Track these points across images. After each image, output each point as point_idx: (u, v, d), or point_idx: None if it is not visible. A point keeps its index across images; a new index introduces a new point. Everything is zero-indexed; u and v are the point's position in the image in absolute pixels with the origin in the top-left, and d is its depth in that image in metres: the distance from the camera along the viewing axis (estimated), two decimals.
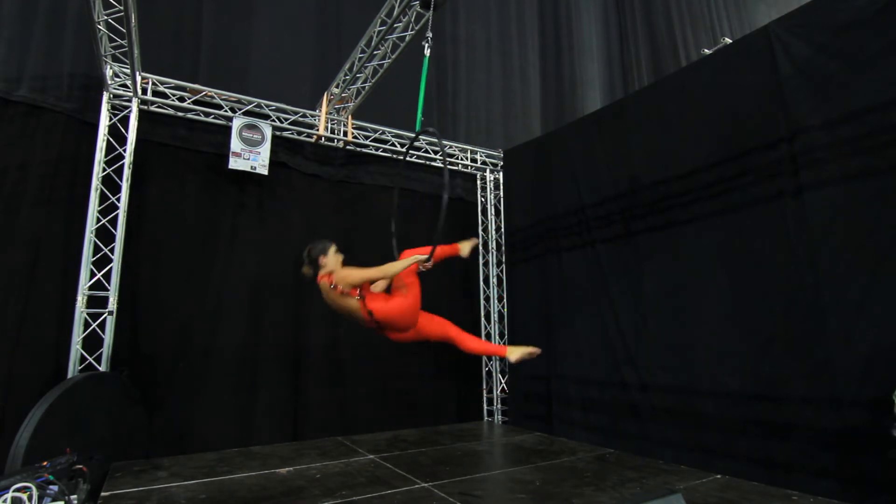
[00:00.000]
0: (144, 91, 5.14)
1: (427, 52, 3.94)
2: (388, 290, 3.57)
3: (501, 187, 7.18)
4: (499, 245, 7.14)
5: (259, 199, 5.75)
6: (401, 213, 6.61)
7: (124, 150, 4.92)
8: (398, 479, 3.97)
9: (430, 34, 4.01)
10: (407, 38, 4.84)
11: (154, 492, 3.61)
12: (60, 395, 3.89)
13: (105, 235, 4.72)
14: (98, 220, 4.70)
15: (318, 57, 6.49)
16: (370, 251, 6.34)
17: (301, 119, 5.97)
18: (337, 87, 5.79)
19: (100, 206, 4.72)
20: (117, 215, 4.78)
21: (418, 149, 6.71)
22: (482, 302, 7.06)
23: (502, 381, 6.79)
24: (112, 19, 4.21)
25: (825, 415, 3.46)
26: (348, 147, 6.28)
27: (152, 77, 5.18)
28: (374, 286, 3.49)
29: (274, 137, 5.64)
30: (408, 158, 6.64)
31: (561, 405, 5.67)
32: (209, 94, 5.44)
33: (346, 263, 3.49)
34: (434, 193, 6.91)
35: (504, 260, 7.01)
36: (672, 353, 4.54)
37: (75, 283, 4.54)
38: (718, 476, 3.93)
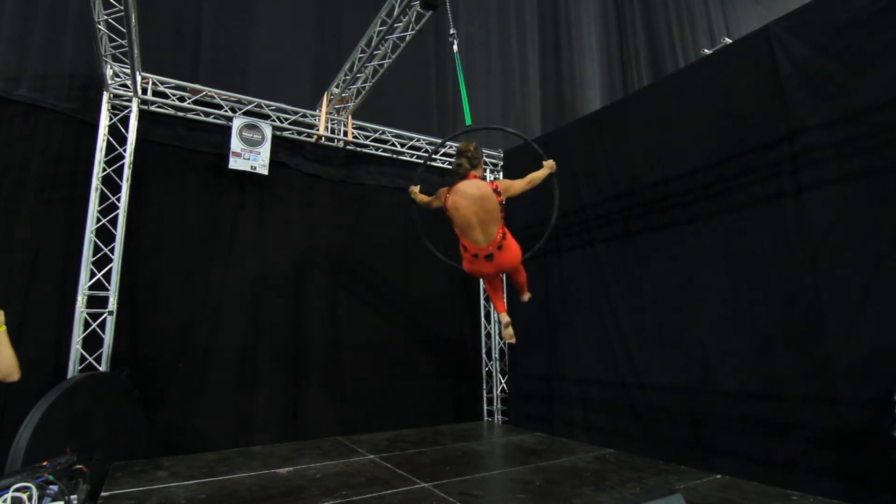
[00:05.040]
0: (144, 91, 5.14)
1: (455, 47, 4.04)
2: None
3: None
4: None
5: (259, 199, 5.75)
6: (402, 211, 6.66)
7: (124, 150, 4.92)
8: (398, 479, 3.97)
9: (453, 31, 4.03)
10: (407, 38, 4.84)
11: (154, 492, 3.61)
12: (60, 395, 3.89)
13: (105, 235, 4.72)
14: (98, 220, 4.70)
15: (318, 57, 6.49)
16: (370, 251, 6.40)
17: (301, 119, 5.97)
18: (337, 87, 5.79)
19: (100, 206, 4.72)
20: (117, 215, 4.78)
21: (418, 149, 6.71)
22: (482, 302, 7.06)
23: (502, 381, 6.79)
24: (112, 19, 4.21)
25: (825, 414, 3.46)
26: (348, 147, 6.28)
27: (152, 77, 5.18)
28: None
29: (274, 137, 5.64)
30: (408, 158, 6.67)
31: (561, 405, 5.67)
32: (209, 94, 5.44)
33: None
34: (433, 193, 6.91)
35: None
36: (672, 353, 4.54)
37: (75, 283, 4.54)
38: (718, 476, 3.93)
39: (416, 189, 3.98)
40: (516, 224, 6.67)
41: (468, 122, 3.95)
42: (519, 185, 3.60)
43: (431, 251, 3.90)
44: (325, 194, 6.19)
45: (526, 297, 4.27)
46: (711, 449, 4.10)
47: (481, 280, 7.09)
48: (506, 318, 3.92)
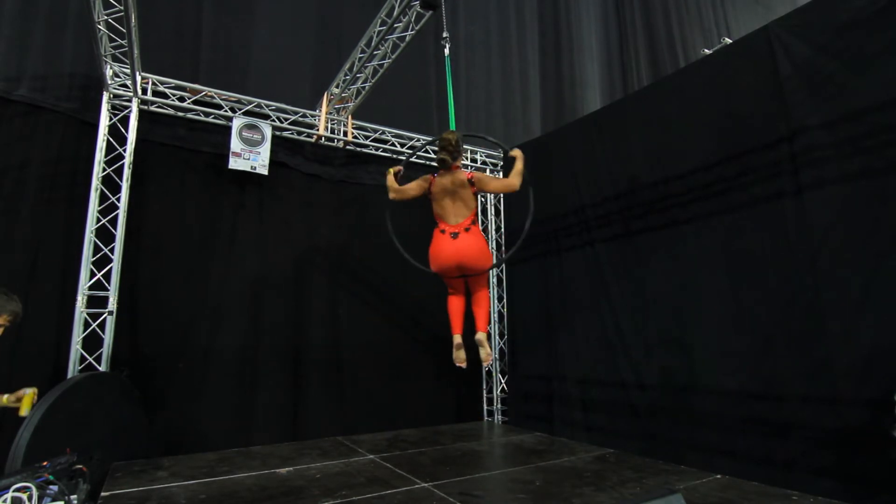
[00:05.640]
0: (144, 91, 5.14)
1: (447, 51, 4.08)
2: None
3: None
4: (499, 245, 7.14)
5: (259, 199, 5.75)
6: (402, 211, 6.67)
7: (124, 150, 4.92)
8: (398, 479, 3.97)
9: (446, 34, 4.10)
10: (407, 38, 4.84)
11: (154, 492, 3.61)
12: (60, 395, 3.88)
13: (105, 235, 4.72)
14: (98, 220, 4.69)
15: (318, 57, 6.49)
16: (370, 251, 6.40)
17: (301, 119, 5.97)
18: (337, 87, 5.79)
19: (100, 206, 4.72)
20: (117, 215, 4.78)
21: (419, 149, 6.70)
22: None
23: (502, 382, 6.79)
24: (112, 19, 4.21)
25: (825, 414, 3.46)
26: (348, 147, 6.28)
27: (152, 77, 5.18)
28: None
29: (274, 137, 5.64)
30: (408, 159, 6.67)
31: (561, 405, 5.67)
32: (209, 94, 5.44)
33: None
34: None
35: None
36: (672, 353, 4.54)
37: (75, 283, 4.54)
38: (718, 476, 3.93)
39: (392, 171, 3.97)
40: (516, 224, 6.71)
41: (452, 126, 4.03)
42: (494, 185, 3.85)
43: (400, 251, 3.93)
44: (325, 194, 6.19)
45: (481, 334, 3.89)
46: (711, 449, 4.10)
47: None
48: (457, 340, 3.96)
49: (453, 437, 5.65)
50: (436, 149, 3.78)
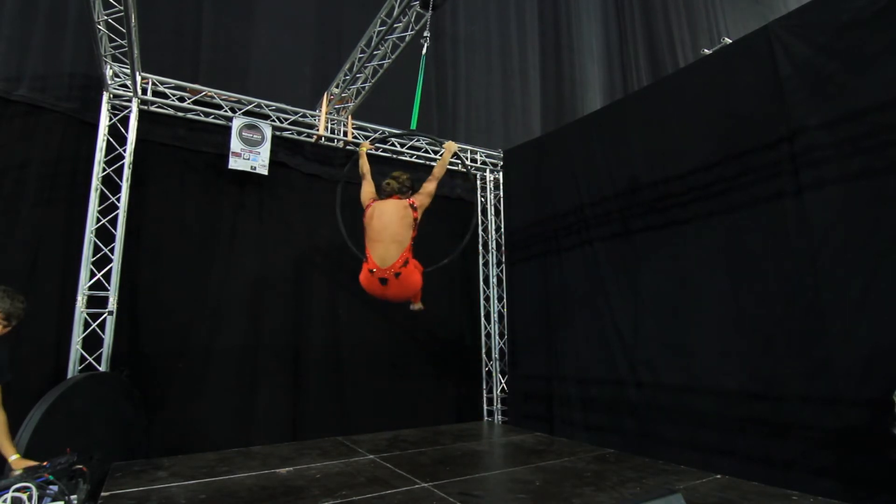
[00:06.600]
0: (144, 91, 5.14)
1: (424, 50, 4.13)
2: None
3: (501, 187, 7.18)
4: (499, 245, 7.14)
5: (259, 199, 5.75)
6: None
7: (124, 150, 4.92)
8: (398, 479, 3.97)
9: (427, 33, 4.17)
10: (407, 38, 4.84)
11: (154, 492, 3.61)
12: (60, 395, 3.89)
13: (105, 235, 4.72)
14: (98, 220, 4.70)
15: (318, 57, 6.49)
16: None
17: (301, 119, 5.97)
18: (337, 87, 5.79)
19: (100, 206, 4.72)
20: (117, 215, 4.78)
21: (418, 149, 6.71)
22: (482, 302, 7.06)
23: (502, 381, 6.79)
24: (112, 19, 4.21)
25: (825, 414, 3.46)
26: (348, 147, 6.28)
27: (152, 77, 5.18)
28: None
29: (274, 137, 5.64)
30: (408, 158, 6.67)
31: (561, 405, 5.67)
32: (209, 94, 5.44)
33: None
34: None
35: (504, 260, 7.01)
36: (671, 353, 4.54)
37: (75, 283, 4.54)
38: (718, 476, 3.93)
39: (365, 146, 4.23)
40: (515, 224, 6.71)
41: (413, 126, 4.14)
42: (430, 187, 3.80)
43: (348, 243, 4.04)
44: (325, 194, 6.16)
45: (417, 306, 4.29)
46: (711, 449, 4.10)
47: (480, 279, 7.11)
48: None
49: (453, 437, 5.65)
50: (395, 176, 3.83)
